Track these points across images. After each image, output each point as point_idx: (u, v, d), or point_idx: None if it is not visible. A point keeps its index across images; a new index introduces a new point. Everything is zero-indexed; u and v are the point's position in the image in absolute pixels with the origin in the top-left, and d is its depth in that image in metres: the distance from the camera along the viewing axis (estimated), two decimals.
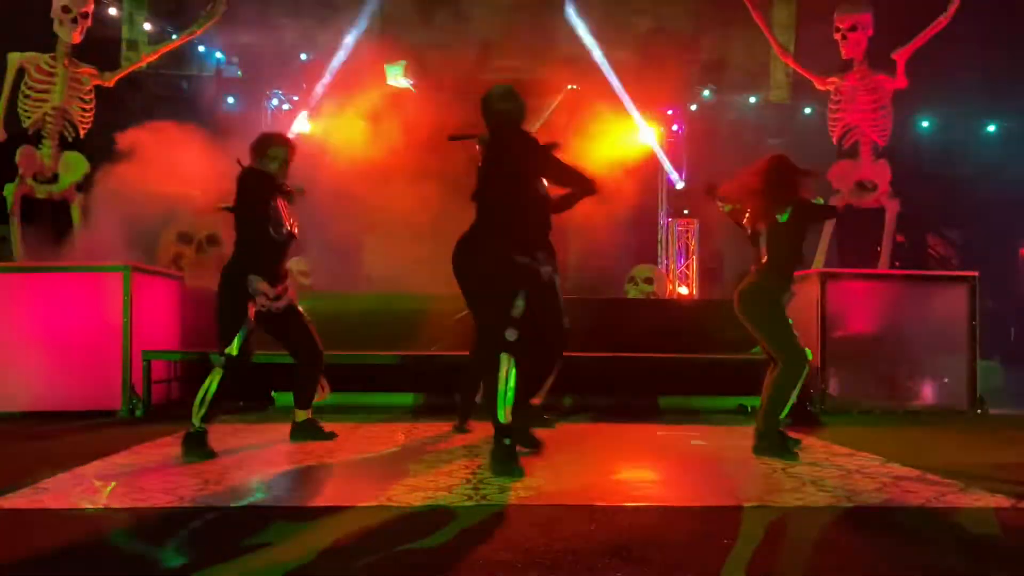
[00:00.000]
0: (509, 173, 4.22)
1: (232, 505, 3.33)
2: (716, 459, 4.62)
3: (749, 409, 6.23)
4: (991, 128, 12.88)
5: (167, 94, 10.74)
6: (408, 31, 12.28)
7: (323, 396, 5.13)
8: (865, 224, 8.67)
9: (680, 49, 12.13)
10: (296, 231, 4.90)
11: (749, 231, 4.78)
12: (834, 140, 7.63)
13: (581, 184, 4.43)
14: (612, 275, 12.40)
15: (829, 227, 7.64)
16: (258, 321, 4.68)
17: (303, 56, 12.27)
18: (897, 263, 9.53)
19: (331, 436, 4.99)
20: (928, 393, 6.95)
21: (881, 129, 7.46)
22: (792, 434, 4.84)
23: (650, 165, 12.59)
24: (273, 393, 6.82)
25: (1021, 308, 12.82)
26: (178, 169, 7.42)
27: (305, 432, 4.97)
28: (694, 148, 12.52)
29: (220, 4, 7.90)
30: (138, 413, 6.26)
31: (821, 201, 5.04)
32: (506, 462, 3.90)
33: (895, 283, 7.15)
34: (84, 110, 7.22)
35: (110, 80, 7.41)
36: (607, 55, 11.89)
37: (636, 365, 6.85)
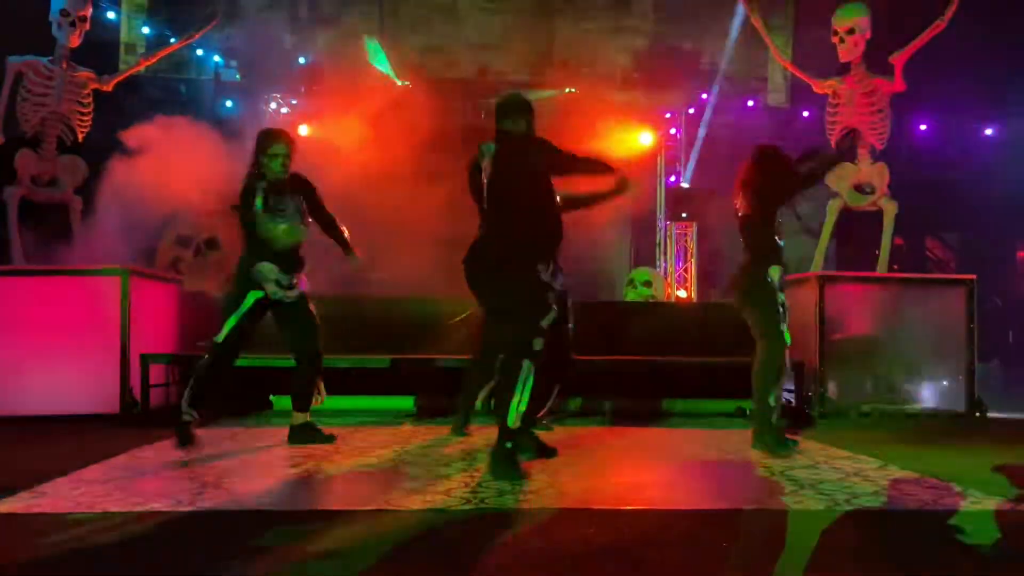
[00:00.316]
0: (528, 177, 4.22)
1: (230, 509, 3.32)
2: (715, 462, 4.62)
3: (748, 412, 6.23)
4: (989, 131, 12.89)
5: (165, 98, 10.72)
6: (408, 33, 12.29)
7: (319, 401, 5.14)
8: (863, 227, 8.67)
9: (679, 52, 12.15)
10: (307, 221, 4.95)
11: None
12: (832, 143, 7.63)
13: (601, 170, 4.43)
14: (611, 278, 12.40)
15: (828, 230, 7.65)
16: (270, 310, 4.83)
17: (302, 59, 12.27)
18: (895, 266, 9.54)
19: (330, 439, 4.99)
20: (926, 396, 6.96)
21: (879, 132, 7.47)
22: (789, 435, 4.86)
23: (648, 168, 12.59)
24: (271, 397, 6.82)
25: (1020, 310, 12.81)
26: (177, 173, 7.43)
27: (303, 435, 4.97)
28: (691, 151, 12.51)
29: (218, 8, 7.91)
30: (136, 416, 6.26)
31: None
32: (507, 465, 3.91)
33: (893, 286, 7.16)
34: (82, 114, 7.22)
35: (108, 84, 7.41)
36: (606, 58, 11.90)
37: (634, 368, 6.85)
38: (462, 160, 4.83)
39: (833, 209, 7.59)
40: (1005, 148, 12.54)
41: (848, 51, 7.43)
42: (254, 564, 2.59)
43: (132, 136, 7.74)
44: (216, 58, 12.17)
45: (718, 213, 5.21)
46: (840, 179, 7.54)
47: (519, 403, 3.91)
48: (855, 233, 9.65)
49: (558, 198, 4.37)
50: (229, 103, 11.96)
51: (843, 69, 7.55)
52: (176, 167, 7.52)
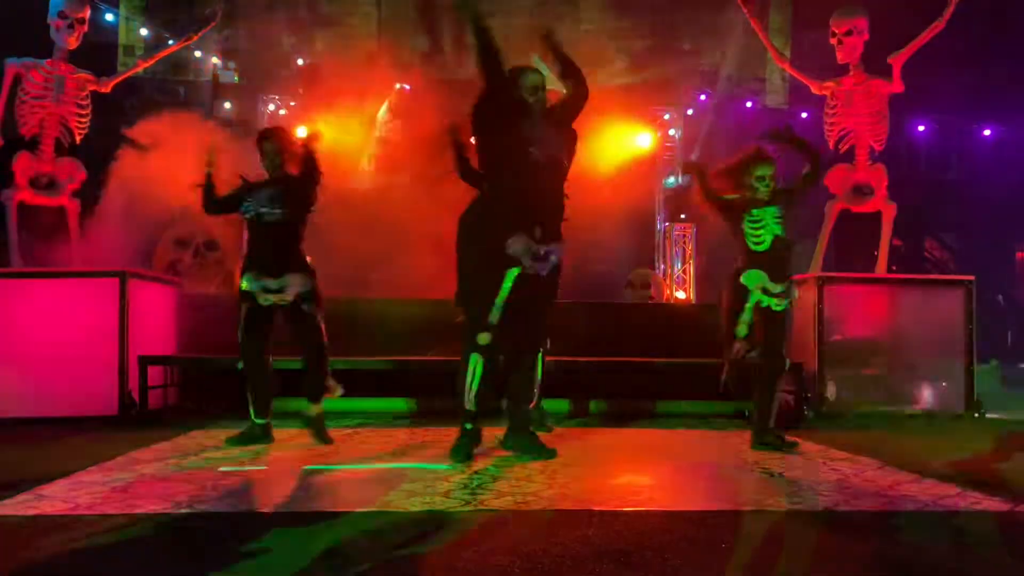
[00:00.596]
0: (488, 136, 4.31)
1: (229, 511, 3.32)
2: (714, 464, 4.62)
3: (747, 413, 6.22)
4: (987, 132, 12.91)
5: (164, 99, 10.73)
6: (407, 34, 12.30)
7: (334, 394, 5.12)
8: (862, 228, 8.67)
9: (678, 53, 12.17)
10: (265, 217, 4.92)
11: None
12: (831, 144, 7.63)
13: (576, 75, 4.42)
14: (610, 280, 12.40)
15: (827, 231, 7.65)
16: (271, 313, 4.89)
17: (300, 61, 12.28)
18: (894, 267, 9.54)
19: (328, 441, 4.99)
20: (925, 397, 6.95)
21: (877, 133, 7.47)
22: (789, 438, 4.86)
23: (647, 169, 12.60)
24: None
25: (1019, 311, 12.83)
26: (175, 174, 7.42)
27: (316, 426, 5.00)
28: (691, 152, 12.52)
29: (217, 10, 7.91)
30: (134, 417, 6.25)
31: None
32: (457, 446, 4.33)
33: (892, 287, 7.16)
34: (81, 116, 7.21)
35: (107, 86, 7.40)
36: (605, 59, 11.91)
37: (634, 369, 6.84)
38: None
39: (831, 210, 7.59)
40: (1003, 149, 12.56)
41: (846, 52, 7.43)
42: (253, 566, 2.59)
43: (130, 138, 7.75)
44: (214, 59, 12.18)
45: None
46: (838, 181, 7.54)
47: (471, 387, 4.25)
48: (854, 234, 9.65)
49: None
50: (227, 104, 11.96)
51: (841, 70, 7.55)
52: (174, 169, 7.51)
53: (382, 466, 4.39)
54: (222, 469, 4.17)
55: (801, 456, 4.74)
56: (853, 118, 7.49)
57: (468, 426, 4.39)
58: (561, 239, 4.33)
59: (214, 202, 5.07)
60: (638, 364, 6.83)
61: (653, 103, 12.23)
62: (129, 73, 7.97)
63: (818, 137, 7.82)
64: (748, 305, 4.85)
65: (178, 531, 3.04)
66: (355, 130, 11.40)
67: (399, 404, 6.87)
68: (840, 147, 7.60)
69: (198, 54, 11.92)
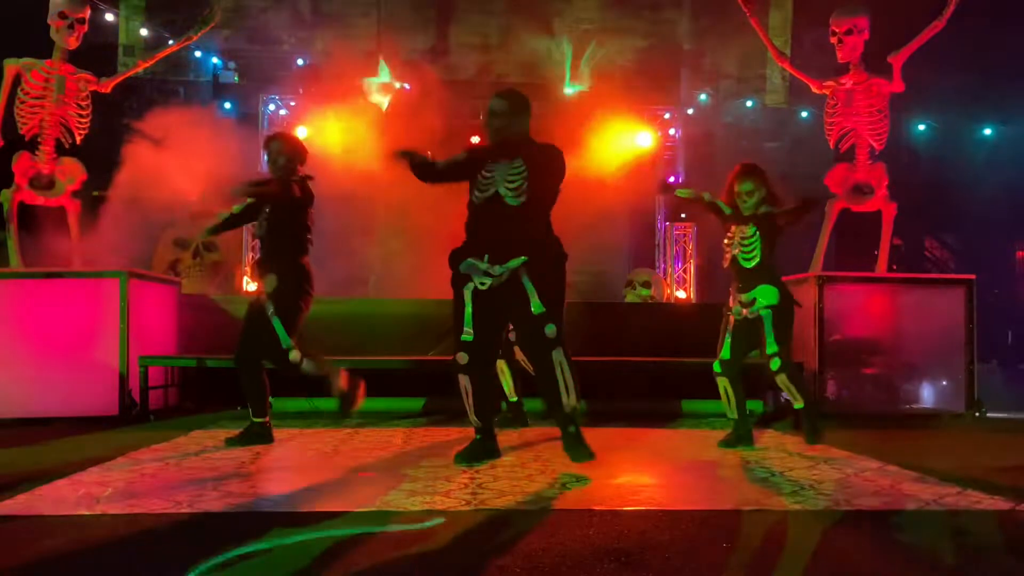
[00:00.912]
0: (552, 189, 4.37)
1: (230, 511, 3.32)
2: (715, 463, 4.61)
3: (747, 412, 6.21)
4: (987, 131, 12.90)
5: (164, 100, 10.74)
6: (407, 34, 12.30)
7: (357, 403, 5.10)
8: (862, 228, 8.67)
9: (677, 53, 12.17)
10: (258, 229, 5.06)
11: None
12: (831, 144, 7.63)
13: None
14: (610, 279, 12.40)
15: (827, 230, 7.64)
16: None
17: (300, 61, 12.27)
18: (894, 266, 9.53)
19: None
20: (926, 396, 6.95)
21: (878, 133, 7.46)
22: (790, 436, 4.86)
23: (647, 169, 12.59)
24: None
25: (1019, 311, 12.83)
26: (175, 174, 7.43)
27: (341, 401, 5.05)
28: (691, 152, 12.53)
29: (216, 9, 7.91)
30: (135, 417, 6.25)
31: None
32: (468, 452, 4.36)
33: (892, 286, 7.16)
34: (81, 116, 7.21)
35: (107, 86, 7.40)
36: (605, 58, 11.91)
37: (634, 369, 6.84)
38: None
39: (832, 209, 7.59)
40: (1004, 148, 12.56)
41: (847, 51, 7.42)
42: (254, 566, 2.58)
43: (130, 138, 7.75)
44: (214, 60, 12.18)
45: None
46: (839, 180, 7.54)
47: (467, 405, 4.35)
48: (854, 233, 9.65)
49: None
50: (228, 104, 11.96)
51: (842, 69, 7.55)
52: (174, 169, 7.52)
53: (383, 466, 4.39)
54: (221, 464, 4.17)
55: (802, 455, 4.74)
56: (853, 117, 7.48)
57: (478, 437, 4.43)
58: (526, 251, 4.20)
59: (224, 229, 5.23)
60: (638, 364, 6.83)
61: (653, 103, 12.21)
62: (129, 73, 7.96)
63: (819, 135, 7.83)
64: (726, 327, 5.09)
65: (178, 531, 3.04)
66: (355, 129, 11.39)
67: (400, 404, 6.87)
68: (840, 146, 7.60)
69: (198, 54, 11.92)
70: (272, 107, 12.17)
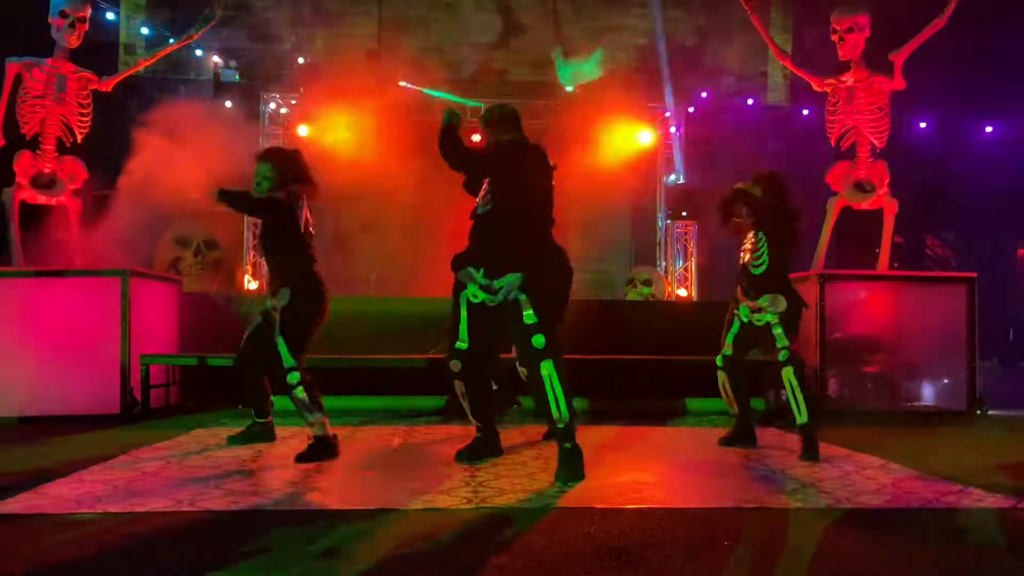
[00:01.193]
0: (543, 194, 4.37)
1: (231, 510, 3.32)
2: (716, 461, 4.61)
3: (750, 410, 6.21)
4: (989, 129, 12.88)
5: (164, 98, 10.73)
6: (408, 33, 12.29)
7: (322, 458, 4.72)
8: (864, 226, 8.66)
9: (679, 50, 12.16)
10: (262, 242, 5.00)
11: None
12: (832, 141, 7.62)
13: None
14: (611, 277, 12.41)
15: (828, 228, 7.64)
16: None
17: (301, 59, 12.27)
18: (895, 264, 9.53)
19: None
20: (927, 394, 6.95)
21: (879, 130, 7.46)
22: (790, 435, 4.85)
23: (648, 167, 12.59)
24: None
25: (1020, 309, 12.82)
26: (176, 173, 7.43)
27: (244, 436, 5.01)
28: (692, 150, 12.52)
29: (217, 8, 7.90)
30: (137, 416, 6.26)
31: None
32: (467, 451, 4.40)
33: (894, 284, 7.16)
34: (82, 115, 7.21)
35: (108, 84, 7.40)
36: (605, 57, 11.89)
37: (635, 367, 6.83)
38: None
39: (833, 207, 7.59)
40: (1005, 145, 12.54)
41: (848, 49, 7.41)
42: (255, 564, 2.59)
43: (130, 137, 7.75)
44: (215, 58, 12.17)
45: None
46: (840, 178, 7.53)
47: (464, 408, 4.40)
48: (855, 231, 9.65)
49: None
50: (228, 103, 11.96)
51: (843, 67, 7.54)
52: (175, 167, 7.52)
53: (384, 465, 4.40)
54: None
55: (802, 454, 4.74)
56: (855, 115, 7.48)
57: (479, 435, 4.45)
58: (519, 267, 4.14)
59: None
60: (639, 362, 6.82)
61: (654, 101, 12.21)
62: (130, 72, 7.96)
63: (820, 133, 7.82)
64: (735, 324, 5.10)
65: (180, 529, 3.04)
66: (355, 128, 11.39)
67: (401, 402, 6.87)
68: (842, 144, 7.59)
69: (199, 53, 11.92)
70: (273, 106, 12.17)
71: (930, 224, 13.45)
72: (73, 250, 7.10)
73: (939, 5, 7.25)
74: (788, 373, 4.81)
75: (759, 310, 4.89)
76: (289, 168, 4.72)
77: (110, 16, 11.21)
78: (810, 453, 4.68)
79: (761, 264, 4.89)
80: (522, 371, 5.21)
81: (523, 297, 4.08)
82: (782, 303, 4.84)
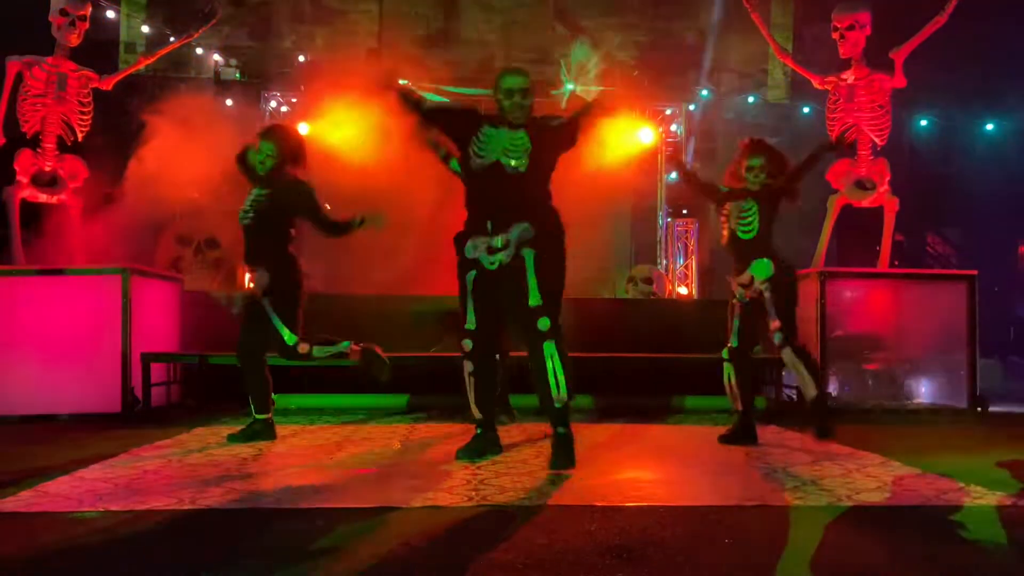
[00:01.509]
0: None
1: (231, 508, 3.32)
2: (716, 459, 4.62)
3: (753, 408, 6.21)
4: (989, 126, 12.88)
5: (165, 96, 10.74)
6: (408, 30, 12.28)
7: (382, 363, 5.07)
8: (864, 223, 8.66)
9: (679, 49, 12.15)
10: (241, 219, 4.97)
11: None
12: (832, 139, 7.61)
13: None
14: (611, 275, 12.40)
15: (828, 226, 7.64)
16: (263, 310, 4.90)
17: (301, 57, 12.27)
18: (896, 262, 9.53)
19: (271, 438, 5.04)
20: (928, 392, 6.95)
21: (880, 128, 7.46)
22: (791, 433, 4.85)
23: (649, 165, 12.59)
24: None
25: (1021, 306, 12.82)
26: (176, 172, 7.43)
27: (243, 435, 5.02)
28: (692, 148, 12.52)
29: (217, 6, 7.90)
30: (138, 415, 6.26)
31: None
32: (469, 447, 4.37)
33: (895, 282, 7.15)
34: (82, 113, 7.21)
35: (108, 83, 7.40)
36: (606, 54, 11.88)
37: (636, 365, 6.84)
38: None
39: (833, 205, 7.59)
40: (1006, 143, 12.54)
41: (848, 47, 7.41)
42: (255, 562, 2.59)
43: (131, 136, 7.75)
44: (216, 57, 12.17)
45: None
46: (840, 176, 7.53)
47: (469, 396, 4.37)
48: (856, 229, 9.64)
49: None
50: (229, 102, 11.95)
51: (844, 65, 7.54)
52: (175, 166, 7.52)
53: (384, 462, 4.40)
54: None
55: (803, 451, 4.74)
56: (855, 113, 7.48)
57: (479, 431, 4.45)
58: (528, 218, 4.20)
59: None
60: (640, 360, 6.82)
61: (655, 99, 12.21)
62: (130, 70, 7.97)
63: (820, 132, 7.82)
64: (734, 312, 5.05)
65: (181, 528, 3.05)
66: (355, 126, 11.38)
67: (402, 400, 6.87)
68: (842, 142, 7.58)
69: (199, 51, 11.92)
70: (273, 104, 12.17)
71: (931, 222, 13.46)
72: (74, 248, 7.11)
73: (940, 2, 7.25)
74: (789, 356, 4.83)
75: (750, 281, 4.89)
76: (289, 145, 4.96)
77: (111, 14, 11.21)
78: (823, 430, 4.69)
79: (751, 229, 4.91)
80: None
81: (531, 270, 4.14)
82: (768, 268, 4.86)
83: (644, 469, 4.38)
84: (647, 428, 5.83)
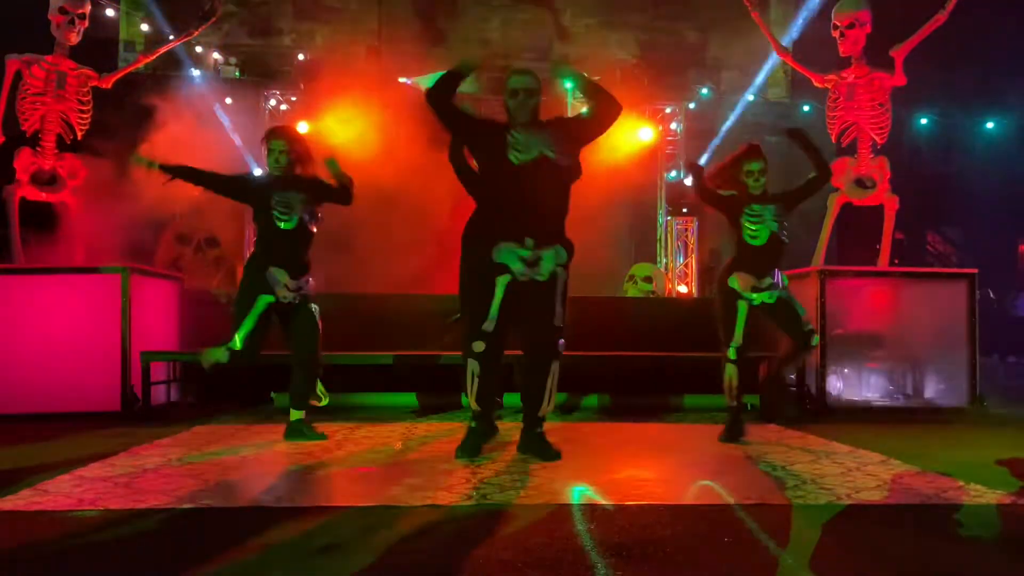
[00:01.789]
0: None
1: (231, 506, 3.32)
2: (716, 458, 4.61)
3: (748, 407, 6.22)
4: (990, 125, 12.88)
5: (165, 95, 10.74)
6: (407, 28, 12.28)
7: (318, 402, 5.19)
8: (864, 222, 8.66)
9: (679, 47, 12.15)
10: (308, 220, 4.97)
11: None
12: (833, 138, 7.62)
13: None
14: (611, 274, 12.40)
15: (829, 224, 7.63)
16: (275, 312, 4.92)
17: (301, 56, 12.27)
18: (896, 260, 9.52)
19: (321, 437, 4.99)
20: (928, 390, 6.95)
21: (880, 126, 7.45)
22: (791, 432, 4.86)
23: (649, 163, 12.59)
24: (272, 394, 6.82)
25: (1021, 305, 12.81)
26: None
27: (296, 432, 4.98)
28: (693, 146, 12.52)
29: (217, 4, 7.90)
30: (137, 413, 6.26)
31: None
32: (465, 442, 4.42)
33: (895, 280, 7.15)
34: (82, 112, 7.20)
35: (108, 81, 7.39)
36: (606, 53, 11.90)
37: (635, 364, 6.84)
38: None
39: (833, 203, 7.58)
40: (1006, 142, 12.54)
41: (848, 45, 7.40)
42: (255, 561, 2.59)
43: (131, 134, 7.74)
44: (215, 55, 12.17)
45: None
46: (840, 174, 7.53)
47: (471, 390, 4.34)
48: (856, 228, 9.65)
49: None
50: (229, 100, 11.95)
51: (843, 63, 7.53)
52: (175, 164, 7.49)
53: (384, 461, 4.40)
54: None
55: (804, 450, 4.74)
56: (855, 111, 7.47)
57: (473, 424, 4.45)
58: (562, 241, 4.33)
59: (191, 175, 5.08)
60: (639, 358, 6.82)
61: (654, 97, 12.21)
62: (130, 68, 7.95)
63: (821, 131, 7.81)
64: (741, 313, 5.02)
65: (181, 526, 3.05)
66: (355, 124, 11.39)
67: (402, 399, 6.87)
68: (842, 140, 7.59)
69: (199, 49, 11.91)
70: (273, 102, 12.17)
71: (931, 220, 13.47)
72: (74, 247, 7.10)
73: (940, 0, 7.24)
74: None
75: (771, 287, 4.92)
76: (298, 142, 5.05)
77: (110, 13, 11.21)
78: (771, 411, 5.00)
79: (758, 237, 4.98)
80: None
81: (564, 276, 4.29)
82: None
83: (643, 468, 4.38)
84: (647, 427, 5.83)
